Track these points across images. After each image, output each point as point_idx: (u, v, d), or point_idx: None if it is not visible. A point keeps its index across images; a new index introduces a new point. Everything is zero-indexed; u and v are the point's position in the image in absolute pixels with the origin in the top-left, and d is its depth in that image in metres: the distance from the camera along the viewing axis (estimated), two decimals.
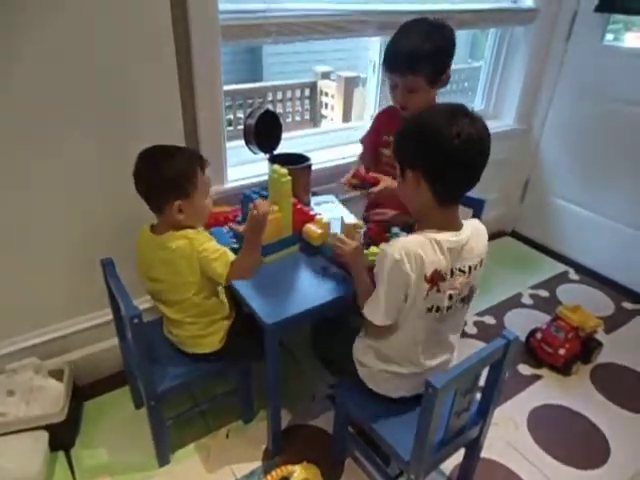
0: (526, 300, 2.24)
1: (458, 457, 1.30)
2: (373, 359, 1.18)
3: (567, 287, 2.35)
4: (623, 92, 2.17)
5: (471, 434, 1.20)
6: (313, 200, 1.71)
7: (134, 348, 1.20)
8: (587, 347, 1.84)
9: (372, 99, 2.14)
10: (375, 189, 1.40)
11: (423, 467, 1.08)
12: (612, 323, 2.09)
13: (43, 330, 1.52)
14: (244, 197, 1.49)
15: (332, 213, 1.60)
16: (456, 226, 1.06)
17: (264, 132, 1.60)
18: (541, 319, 2.04)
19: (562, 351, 1.79)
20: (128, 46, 1.31)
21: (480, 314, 2.11)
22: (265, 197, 1.44)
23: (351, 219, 1.47)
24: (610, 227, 2.34)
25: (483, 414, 1.19)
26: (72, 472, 1.40)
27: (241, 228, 1.19)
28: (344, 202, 1.74)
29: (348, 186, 1.45)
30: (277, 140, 1.65)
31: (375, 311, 1.09)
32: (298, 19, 1.60)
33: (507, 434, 1.56)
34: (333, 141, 2.09)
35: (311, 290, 1.31)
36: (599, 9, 2.12)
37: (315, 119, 5.10)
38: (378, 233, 1.45)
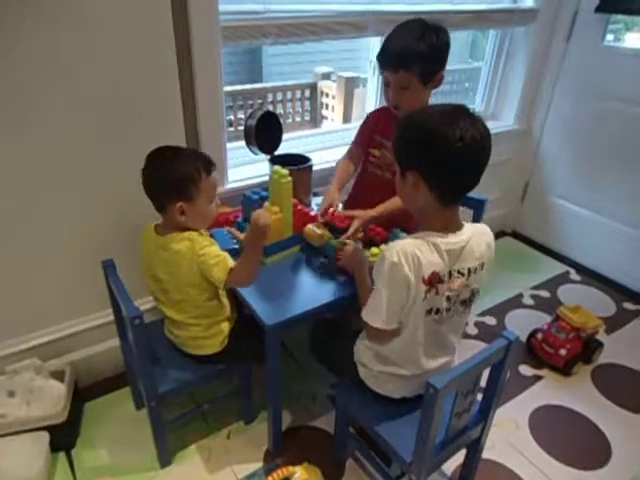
0: (527, 300, 2.24)
1: (459, 458, 1.30)
2: (373, 361, 1.18)
3: (568, 287, 2.35)
4: (623, 92, 2.16)
5: (472, 435, 1.20)
6: (314, 201, 1.71)
7: (135, 349, 1.20)
8: (588, 347, 1.84)
9: (372, 100, 2.14)
10: (348, 233, 1.37)
11: (424, 468, 1.08)
12: (613, 323, 2.09)
13: (44, 331, 1.53)
14: (245, 198, 1.49)
15: None
16: (456, 227, 1.06)
17: (265, 133, 1.60)
18: (542, 319, 2.04)
19: (563, 351, 1.78)
20: (129, 47, 1.32)
21: (481, 315, 2.10)
22: (265, 198, 1.44)
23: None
24: (611, 227, 2.34)
25: (484, 415, 1.19)
26: (73, 473, 1.40)
27: (242, 236, 1.19)
28: (344, 203, 1.74)
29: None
30: (278, 141, 1.66)
31: (376, 316, 1.07)
32: (297, 20, 1.60)
33: (508, 435, 1.56)
34: (333, 142, 2.09)
35: (312, 291, 1.31)
36: (599, 9, 2.12)
37: (315, 120, 5.10)
38: (379, 233, 1.45)
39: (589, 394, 1.74)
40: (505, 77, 2.44)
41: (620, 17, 2.27)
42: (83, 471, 1.40)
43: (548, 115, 2.47)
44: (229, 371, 1.41)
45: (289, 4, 1.60)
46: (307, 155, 1.66)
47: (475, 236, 1.07)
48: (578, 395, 1.73)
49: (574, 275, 2.45)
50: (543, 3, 2.22)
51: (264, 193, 1.47)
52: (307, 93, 5.08)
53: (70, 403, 1.44)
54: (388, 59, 1.37)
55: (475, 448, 1.27)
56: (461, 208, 1.42)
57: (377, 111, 1.63)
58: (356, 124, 1.79)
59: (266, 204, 1.39)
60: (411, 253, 1.00)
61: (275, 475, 1.31)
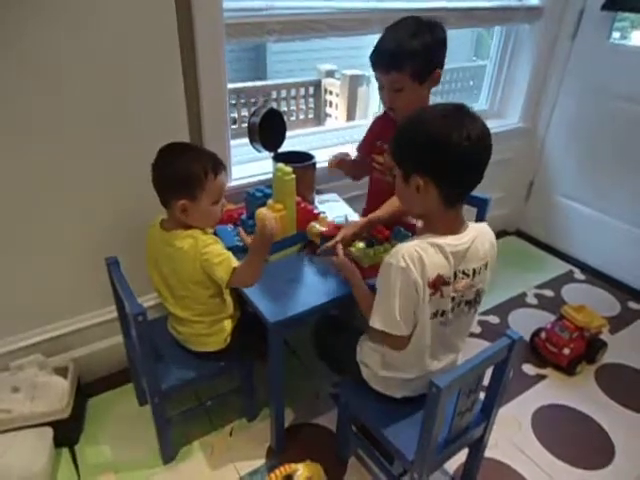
0: (531, 300, 2.23)
1: (462, 456, 1.30)
2: (377, 365, 1.17)
3: (572, 287, 2.34)
4: (629, 91, 2.15)
5: (475, 434, 1.20)
6: (317, 198, 1.70)
7: (138, 346, 1.20)
8: (592, 347, 1.84)
9: (376, 98, 2.14)
10: (329, 244, 1.31)
11: (427, 466, 1.08)
12: (617, 323, 2.08)
13: (48, 327, 1.53)
14: (248, 195, 1.49)
15: (336, 211, 1.60)
16: (460, 228, 1.05)
17: (268, 130, 1.60)
18: (546, 319, 2.03)
19: (567, 351, 1.78)
20: (132, 45, 1.31)
21: (484, 313, 2.10)
22: (269, 196, 1.44)
23: (355, 218, 1.47)
24: (616, 226, 2.32)
25: (487, 414, 1.19)
26: (76, 468, 1.40)
27: (249, 239, 1.19)
28: (348, 201, 1.74)
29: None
30: (281, 138, 1.65)
31: (392, 324, 1.04)
32: (301, 17, 1.60)
33: (511, 434, 1.56)
34: (337, 139, 2.09)
35: (315, 289, 1.31)
36: (606, 7, 2.10)
37: (319, 117, 5.10)
38: (380, 231, 1.44)
39: (593, 394, 1.74)
40: (510, 75, 2.42)
41: (626, 15, 2.25)
42: (86, 467, 1.41)
43: (553, 113, 2.46)
44: (232, 368, 1.41)
45: (293, 1, 1.59)
46: (311, 153, 1.65)
47: (479, 236, 1.06)
48: (581, 395, 1.73)
49: (578, 274, 2.44)
50: (549, 1, 2.20)
51: (268, 190, 1.47)
52: (311, 91, 5.08)
53: (73, 399, 1.45)
54: (379, 60, 1.33)
55: (478, 447, 1.27)
56: (465, 207, 1.42)
57: (379, 118, 1.60)
58: (360, 122, 1.80)
59: (269, 201, 1.39)
60: (417, 256, 0.99)
61: (277, 472, 1.31)
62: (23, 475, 1.27)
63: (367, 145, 1.61)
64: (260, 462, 1.44)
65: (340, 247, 1.27)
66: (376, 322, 1.07)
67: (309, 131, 2.26)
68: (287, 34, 1.59)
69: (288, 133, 1.67)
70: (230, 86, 1.58)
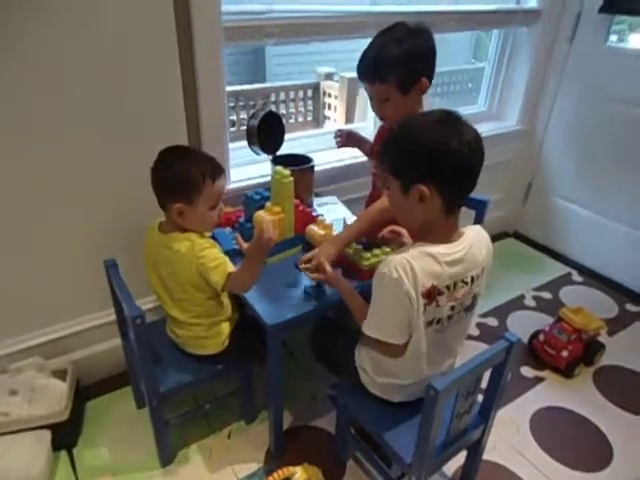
0: (529, 302, 2.23)
1: (460, 459, 1.30)
2: (374, 371, 1.17)
3: (570, 289, 2.35)
4: (627, 93, 2.16)
5: (473, 436, 1.20)
6: (316, 201, 1.71)
7: (137, 348, 1.20)
8: (590, 349, 1.84)
9: None
10: (308, 265, 1.26)
11: (425, 469, 1.08)
12: (615, 325, 2.08)
13: (46, 330, 1.53)
14: (246, 198, 1.50)
15: (335, 214, 1.60)
16: (456, 236, 1.04)
17: (267, 133, 1.60)
18: (544, 321, 2.03)
19: (565, 353, 1.78)
20: (130, 47, 1.32)
21: (483, 316, 2.10)
22: (267, 198, 1.44)
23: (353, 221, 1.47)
24: (614, 228, 2.33)
25: (485, 416, 1.19)
26: (74, 472, 1.40)
27: (245, 245, 1.19)
28: (347, 203, 1.74)
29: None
30: (280, 141, 1.66)
31: (386, 332, 1.05)
32: (300, 20, 1.60)
33: (509, 436, 1.56)
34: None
35: (313, 291, 1.30)
36: (603, 10, 2.11)
37: (318, 120, 5.10)
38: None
39: (591, 396, 1.74)
40: (508, 78, 2.43)
41: (624, 18, 2.26)
42: (85, 470, 1.41)
43: (551, 116, 2.47)
44: (230, 371, 1.41)
45: (291, 4, 1.60)
46: (309, 155, 1.66)
47: (475, 242, 1.06)
48: (580, 397, 1.73)
49: (576, 276, 2.44)
50: (546, 4, 2.21)
51: (266, 193, 1.47)
52: (310, 93, 5.08)
53: (72, 402, 1.45)
54: (363, 71, 1.31)
55: (476, 449, 1.27)
56: (463, 209, 1.43)
57: (383, 124, 1.55)
58: (358, 124, 1.80)
59: (268, 204, 1.39)
60: (409, 266, 0.98)
61: (275, 475, 1.31)
62: (21, 478, 1.27)
63: (371, 150, 1.62)
64: (258, 465, 1.44)
65: (326, 265, 1.24)
66: (371, 330, 1.08)
67: (308, 134, 2.26)
68: (286, 37, 1.60)
69: (287, 135, 1.68)
70: (229, 89, 1.58)
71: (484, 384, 1.13)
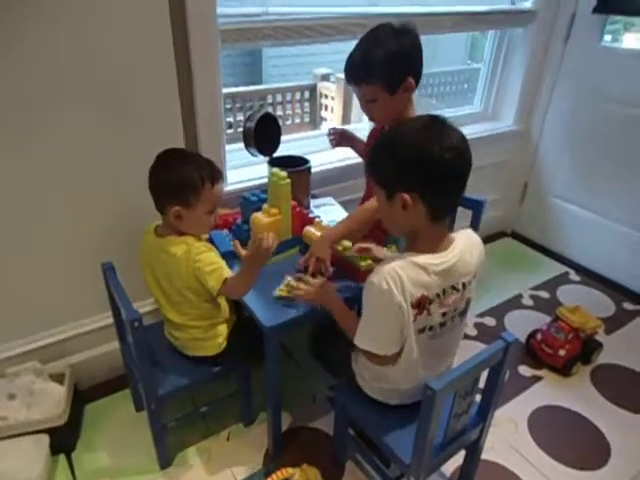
0: (526, 301, 2.24)
1: (458, 459, 1.30)
2: (371, 377, 1.17)
3: (567, 288, 2.35)
4: (622, 93, 2.17)
5: (471, 436, 1.20)
6: (312, 203, 1.71)
7: (135, 351, 1.21)
8: (587, 348, 1.84)
9: None
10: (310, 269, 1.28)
11: (423, 469, 1.08)
12: (612, 324, 2.09)
13: (44, 333, 1.53)
14: (243, 200, 1.50)
15: (331, 215, 1.60)
16: (446, 243, 1.04)
17: (264, 135, 1.60)
18: (541, 320, 2.04)
19: (562, 352, 1.79)
20: (127, 49, 1.32)
21: (480, 315, 2.11)
22: (264, 200, 1.44)
23: None
24: (610, 228, 2.34)
25: (483, 416, 1.19)
26: (73, 475, 1.40)
27: (243, 252, 1.19)
28: (343, 204, 1.75)
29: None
30: (277, 143, 1.66)
31: (377, 343, 1.06)
32: (296, 23, 1.61)
33: (507, 436, 1.56)
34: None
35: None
36: (597, 10, 2.12)
37: (315, 121, 5.10)
38: (376, 236, 1.45)
39: (588, 394, 1.75)
40: (504, 78, 2.44)
41: (618, 18, 2.27)
42: (83, 473, 1.40)
43: (547, 116, 2.48)
44: (228, 373, 1.41)
45: (287, 7, 1.60)
46: (306, 157, 1.66)
47: (466, 248, 1.05)
48: (577, 396, 1.73)
49: (573, 275, 2.45)
50: (541, 4, 2.22)
51: (263, 195, 1.47)
52: (307, 95, 5.08)
53: (70, 406, 1.44)
54: (350, 73, 1.31)
55: (474, 449, 1.27)
56: (460, 209, 1.43)
57: (374, 126, 1.57)
58: (355, 125, 1.80)
59: (265, 206, 1.39)
60: (399, 277, 0.97)
61: (274, 477, 1.31)
62: None
63: (367, 150, 1.62)
64: (257, 467, 1.44)
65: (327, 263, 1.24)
66: (363, 343, 1.08)
67: (304, 135, 2.26)
68: (281, 39, 1.60)
69: (283, 137, 1.68)
70: (225, 90, 1.58)
71: (482, 384, 1.13)
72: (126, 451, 1.46)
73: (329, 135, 1.70)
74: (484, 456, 1.34)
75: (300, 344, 1.74)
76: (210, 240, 1.42)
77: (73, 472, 1.41)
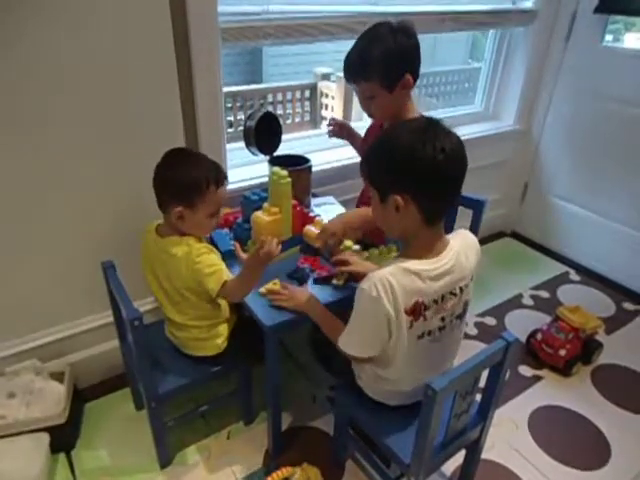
0: (527, 301, 2.24)
1: (459, 459, 1.30)
2: (371, 379, 1.16)
3: (568, 288, 2.35)
4: (623, 93, 2.17)
5: (471, 436, 1.20)
6: (313, 202, 1.71)
7: (135, 350, 1.20)
8: (588, 348, 1.84)
9: None
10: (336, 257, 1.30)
11: (423, 469, 1.08)
12: (613, 324, 2.09)
13: (44, 332, 1.53)
14: (244, 199, 1.50)
15: (332, 214, 1.59)
16: (441, 246, 1.03)
17: (264, 134, 1.60)
18: (542, 320, 2.04)
19: (563, 352, 1.79)
20: (127, 48, 1.32)
21: (481, 315, 2.10)
22: (265, 199, 1.44)
23: None
24: (611, 228, 2.34)
25: (483, 415, 1.19)
26: (73, 474, 1.40)
27: (244, 256, 1.19)
28: (344, 203, 1.74)
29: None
30: (277, 142, 1.66)
31: (353, 346, 1.08)
32: (297, 21, 1.60)
33: (508, 435, 1.56)
34: (333, 143, 2.08)
35: (311, 292, 1.30)
36: (598, 10, 2.12)
37: (315, 120, 5.10)
38: (377, 235, 1.44)
39: (589, 394, 1.75)
40: (505, 77, 2.44)
41: (619, 17, 2.27)
42: (83, 472, 1.40)
43: (548, 115, 2.47)
44: (229, 372, 1.41)
45: (288, 5, 1.60)
46: (306, 156, 1.66)
47: (462, 250, 1.05)
48: (578, 396, 1.73)
49: (574, 275, 2.45)
50: (542, 4, 2.22)
51: (264, 194, 1.47)
52: (307, 94, 5.08)
53: (70, 404, 1.44)
54: (346, 71, 1.33)
55: (474, 449, 1.27)
56: (460, 208, 1.43)
57: (373, 123, 1.58)
58: (356, 124, 1.79)
59: (265, 205, 1.39)
60: (389, 285, 0.96)
61: (275, 476, 1.31)
62: None
63: (364, 147, 1.62)
64: (257, 466, 1.44)
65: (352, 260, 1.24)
66: (346, 345, 1.10)
67: (305, 134, 2.26)
68: (282, 38, 1.60)
69: (284, 136, 1.68)
70: (226, 89, 1.58)
71: (482, 383, 1.13)
72: (126, 450, 1.46)
73: (329, 125, 1.71)
74: (484, 456, 1.34)
75: (300, 344, 1.74)
76: (211, 239, 1.42)
77: (73, 471, 1.41)
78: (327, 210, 1.66)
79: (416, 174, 0.94)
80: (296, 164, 1.57)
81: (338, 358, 1.31)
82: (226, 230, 1.49)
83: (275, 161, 1.58)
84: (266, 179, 1.56)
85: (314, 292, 1.27)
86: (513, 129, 2.48)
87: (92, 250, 1.46)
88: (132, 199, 1.46)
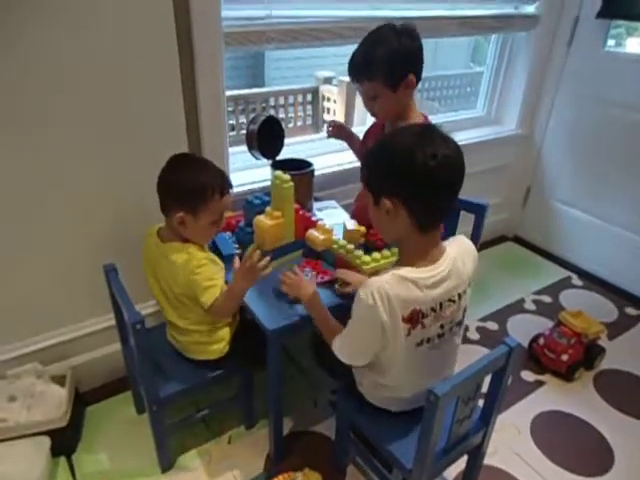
0: (529, 306, 2.23)
1: (461, 464, 1.29)
2: (372, 385, 1.16)
3: (570, 292, 2.35)
4: (625, 98, 2.17)
5: (474, 441, 1.20)
6: (315, 205, 1.71)
7: (136, 354, 1.20)
8: (590, 353, 1.84)
9: None
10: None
11: (425, 475, 1.07)
12: (615, 329, 2.08)
13: (45, 335, 1.53)
14: (246, 203, 1.50)
15: (334, 218, 1.60)
16: (437, 254, 1.02)
17: (267, 138, 1.60)
18: (544, 325, 2.03)
19: (565, 357, 1.78)
20: (131, 51, 1.32)
21: (482, 320, 2.10)
22: (267, 203, 1.44)
23: (353, 225, 1.47)
24: (613, 232, 2.33)
25: (486, 421, 1.18)
26: (74, 478, 1.40)
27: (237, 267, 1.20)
28: (346, 207, 1.74)
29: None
30: (280, 146, 1.66)
31: (354, 356, 1.09)
32: (300, 26, 1.61)
33: (510, 441, 1.55)
34: (335, 146, 2.09)
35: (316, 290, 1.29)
36: (600, 15, 2.12)
37: (317, 124, 5.10)
38: (380, 239, 1.44)
39: (591, 400, 1.74)
40: (507, 82, 2.44)
41: (621, 22, 2.27)
42: (84, 476, 1.40)
43: (550, 120, 2.48)
44: (230, 376, 1.41)
45: (291, 10, 1.60)
46: (309, 160, 1.66)
47: (459, 257, 1.04)
48: (580, 401, 1.73)
49: (576, 280, 2.44)
50: (544, 9, 2.22)
51: (266, 198, 1.47)
52: (309, 97, 5.08)
53: (71, 408, 1.44)
54: (350, 70, 1.36)
55: (477, 454, 1.26)
56: (462, 213, 1.43)
57: (375, 122, 1.60)
58: (357, 128, 1.80)
59: (268, 209, 1.39)
60: (386, 293, 0.96)
61: None
62: None
63: (361, 145, 1.64)
64: (258, 470, 1.43)
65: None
66: (340, 349, 1.11)
67: (307, 138, 2.26)
68: (285, 42, 1.61)
69: (286, 140, 1.68)
70: (228, 93, 1.59)
71: (484, 389, 1.13)
72: (127, 454, 1.46)
73: (328, 126, 1.73)
74: (486, 461, 1.33)
75: (302, 347, 1.74)
76: (213, 243, 1.42)
77: (74, 474, 1.40)
78: (329, 214, 1.66)
79: (406, 179, 0.94)
80: (298, 168, 1.57)
81: (339, 363, 1.31)
82: (228, 234, 1.49)
83: (277, 165, 1.58)
84: (268, 183, 1.56)
85: None
86: (515, 134, 2.48)
87: (94, 252, 1.46)
88: (134, 201, 1.47)
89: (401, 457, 1.10)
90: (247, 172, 1.82)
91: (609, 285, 2.38)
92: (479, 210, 1.50)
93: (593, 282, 2.42)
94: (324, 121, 5.12)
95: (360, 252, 1.35)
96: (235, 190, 1.68)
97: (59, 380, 1.48)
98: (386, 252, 1.35)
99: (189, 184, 1.17)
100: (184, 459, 1.46)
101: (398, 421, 1.17)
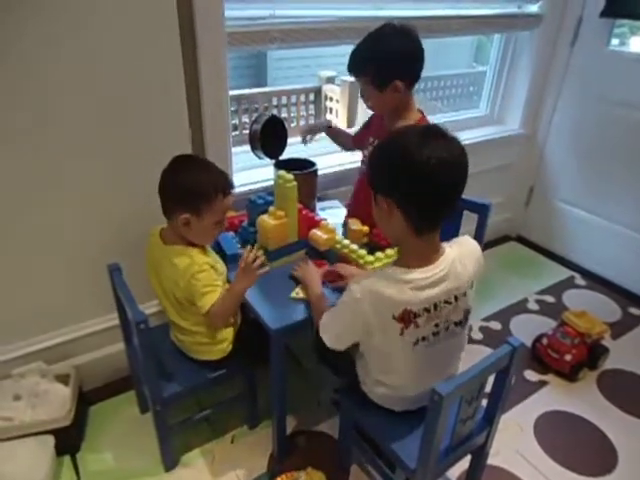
0: (532, 305, 2.23)
1: (464, 464, 1.29)
2: (375, 385, 1.16)
3: (573, 292, 2.34)
4: (629, 97, 2.16)
5: (477, 441, 1.20)
6: (318, 205, 1.71)
7: (140, 353, 1.21)
8: (594, 353, 1.83)
9: None
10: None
11: (429, 474, 1.07)
12: (619, 329, 2.08)
13: (49, 334, 1.53)
14: (250, 202, 1.50)
15: (337, 218, 1.60)
16: (435, 256, 1.01)
17: (270, 137, 1.61)
18: (547, 325, 2.03)
19: (568, 357, 1.78)
20: (134, 52, 1.32)
21: (486, 319, 2.10)
22: (270, 203, 1.44)
23: (356, 224, 1.47)
24: (616, 232, 2.33)
25: (489, 421, 1.18)
26: (78, 476, 1.40)
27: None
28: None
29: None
30: (283, 145, 1.66)
31: (328, 334, 1.11)
32: (302, 25, 1.61)
33: (513, 441, 1.55)
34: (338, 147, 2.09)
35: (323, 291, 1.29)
36: (604, 14, 2.12)
37: None
38: (384, 238, 1.44)
39: (595, 400, 1.73)
40: (510, 81, 2.43)
41: (625, 21, 2.26)
42: (88, 474, 1.41)
43: (553, 120, 2.47)
44: (233, 376, 1.41)
45: (294, 10, 1.60)
46: (312, 160, 1.66)
47: (459, 259, 1.03)
48: (584, 401, 1.72)
49: (579, 280, 2.44)
50: (548, 8, 2.22)
51: (269, 198, 1.48)
52: (311, 97, 5.08)
53: (75, 407, 1.44)
54: (348, 64, 1.41)
55: (480, 454, 1.26)
56: (465, 212, 1.42)
57: (373, 114, 1.61)
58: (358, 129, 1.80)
59: (271, 208, 1.39)
60: (375, 293, 0.97)
61: None
62: None
63: (360, 137, 1.65)
64: (262, 470, 1.43)
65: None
66: (324, 332, 1.12)
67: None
68: (288, 42, 1.61)
69: (289, 140, 1.68)
70: (231, 93, 1.59)
71: (488, 388, 1.13)
72: (131, 453, 1.46)
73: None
74: (490, 461, 1.33)
75: (305, 346, 1.74)
76: (217, 243, 1.42)
77: (78, 473, 1.41)
78: (332, 214, 1.66)
79: (400, 181, 0.93)
80: (302, 168, 1.57)
81: (343, 362, 1.31)
82: (232, 233, 1.49)
83: (281, 165, 1.59)
84: (271, 183, 1.57)
85: None
86: (518, 133, 2.47)
87: (98, 252, 1.47)
88: (138, 202, 1.47)
89: (404, 456, 1.10)
90: (250, 172, 1.83)
91: (612, 285, 2.38)
92: (482, 210, 1.49)
93: (596, 282, 2.41)
94: (326, 120, 5.13)
95: (363, 251, 1.35)
96: (238, 190, 1.69)
97: (63, 379, 1.49)
98: (389, 251, 1.36)
99: (193, 185, 1.17)
100: (187, 458, 1.46)
101: (401, 421, 1.17)
